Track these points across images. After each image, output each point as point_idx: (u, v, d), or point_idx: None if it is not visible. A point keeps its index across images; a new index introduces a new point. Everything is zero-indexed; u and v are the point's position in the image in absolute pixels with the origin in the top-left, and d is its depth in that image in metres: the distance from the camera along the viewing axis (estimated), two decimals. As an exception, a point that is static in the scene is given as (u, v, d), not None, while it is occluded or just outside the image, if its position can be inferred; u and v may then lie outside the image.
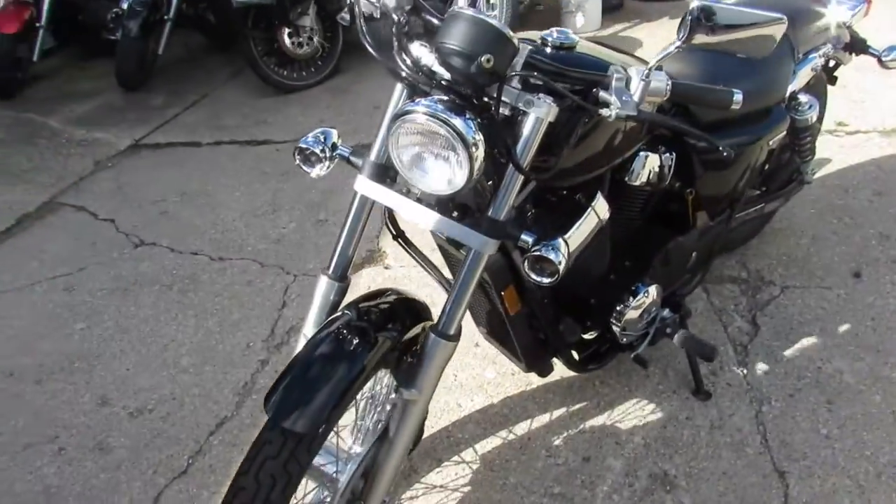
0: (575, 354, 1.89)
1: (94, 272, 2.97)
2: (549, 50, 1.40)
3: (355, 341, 1.34)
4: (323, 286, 1.48)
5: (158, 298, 2.75)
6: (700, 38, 1.23)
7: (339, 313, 1.41)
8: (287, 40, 4.42)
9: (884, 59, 2.24)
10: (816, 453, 1.83)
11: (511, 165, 1.30)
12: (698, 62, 1.88)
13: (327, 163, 1.47)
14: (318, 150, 1.45)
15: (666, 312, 1.93)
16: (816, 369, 2.05)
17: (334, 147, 1.48)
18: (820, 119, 2.19)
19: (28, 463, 2.08)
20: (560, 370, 1.94)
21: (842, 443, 1.84)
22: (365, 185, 1.42)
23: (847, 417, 1.91)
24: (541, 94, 1.29)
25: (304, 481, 1.32)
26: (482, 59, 1.18)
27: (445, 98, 1.25)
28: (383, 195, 1.41)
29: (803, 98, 1.99)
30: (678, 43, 1.23)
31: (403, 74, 1.30)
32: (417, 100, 1.25)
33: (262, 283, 2.75)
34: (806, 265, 2.46)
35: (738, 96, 1.29)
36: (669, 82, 1.27)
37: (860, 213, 2.70)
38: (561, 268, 1.31)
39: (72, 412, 2.25)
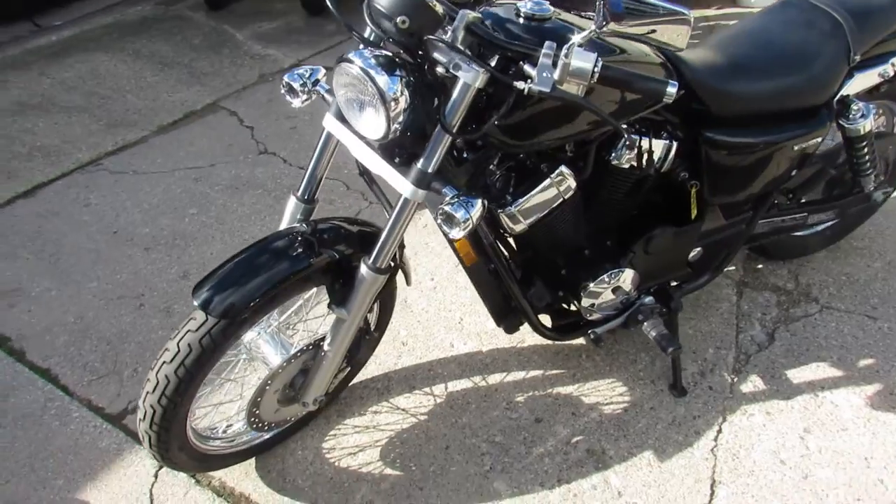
0: (548, 321, 1.96)
1: (220, 169, 3.45)
2: (519, 18, 1.45)
3: (297, 250, 1.56)
4: (291, 206, 1.70)
5: (258, 200, 3.15)
6: (613, 26, 1.24)
7: (294, 225, 1.64)
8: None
9: None
10: (763, 475, 1.77)
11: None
12: (737, 47, 1.81)
13: (306, 96, 1.66)
14: (298, 85, 1.64)
15: (648, 300, 1.93)
16: (812, 396, 1.94)
17: (316, 83, 1.66)
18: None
19: (115, 310, 2.57)
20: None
21: (795, 472, 1.77)
22: (329, 121, 1.60)
23: (816, 450, 1.81)
24: (473, 61, 1.37)
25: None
26: (398, 19, 1.29)
27: (385, 53, 1.39)
28: (340, 132, 1.58)
29: (856, 105, 1.82)
30: (593, 27, 1.25)
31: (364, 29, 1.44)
32: (360, 49, 1.40)
33: (343, 203, 3.04)
34: (864, 290, 2.26)
35: (671, 88, 1.28)
36: (598, 66, 1.28)
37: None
38: (464, 224, 1.40)
39: (159, 278, 2.72)
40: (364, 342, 1.74)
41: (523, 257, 1.84)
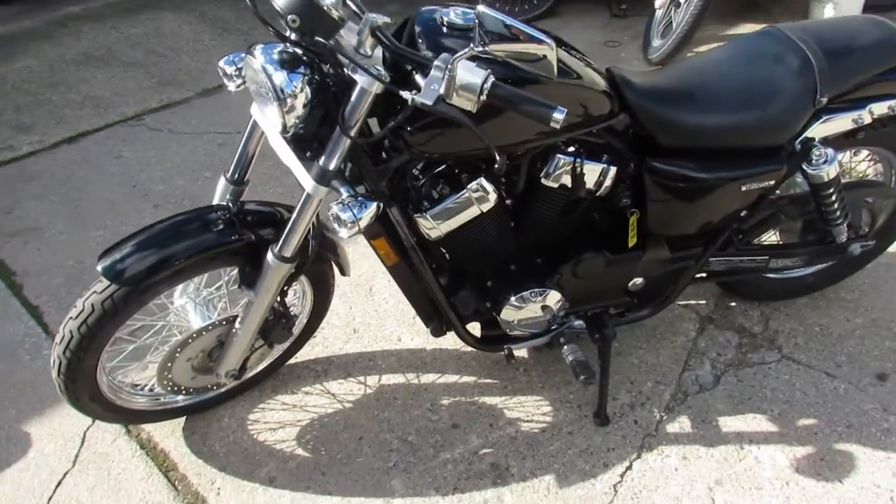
0: (477, 329, 1.95)
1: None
2: (442, 27, 1.45)
3: (211, 228, 1.62)
4: (220, 186, 1.76)
5: (269, 171, 3.25)
6: (493, 47, 1.23)
7: (216, 203, 1.70)
8: (506, -29, 4.53)
9: None
10: (658, 519, 1.72)
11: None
12: (697, 77, 1.73)
13: (240, 80, 1.70)
14: (232, 70, 1.68)
15: (577, 324, 1.89)
16: (736, 447, 1.85)
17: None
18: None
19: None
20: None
21: (691, 522, 1.70)
22: (253, 108, 1.64)
23: (721, 504, 1.74)
24: (376, 66, 1.38)
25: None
26: (288, 18, 1.31)
27: (291, 50, 1.41)
28: (261, 120, 1.61)
29: (818, 149, 1.70)
30: (473, 46, 1.24)
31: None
32: (268, 44, 1.43)
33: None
34: (834, 346, 2.13)
35: (559, 115, 1.23)
36: (489, 83, 1.26)
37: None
38: (350, 225, 1.42)
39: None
40: (279, 325, 1.79)
41: (452, 264, 1.83)
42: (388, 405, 2.05)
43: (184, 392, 1.88)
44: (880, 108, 1.73)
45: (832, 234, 1.93)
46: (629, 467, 1.83)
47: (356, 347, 2.27)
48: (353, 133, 1.43)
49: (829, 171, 1.73)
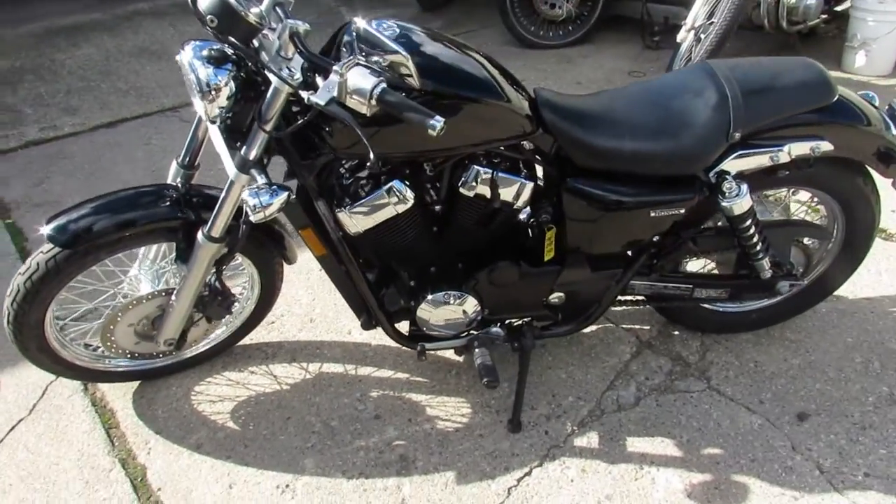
0: (405, 326, 2.05)
1: (262, 135, 3.78)
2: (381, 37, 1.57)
3: (154, 205, 1.79)
4: (172, 169, 1.93)
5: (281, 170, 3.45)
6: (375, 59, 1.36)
7: (164, 183, 1.87)
8: (540, -1, 4.65)
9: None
10: (541, 524, 1.78)
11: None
12: (621, 103, 1.81)
13: None
14: None
15: (494, 331, 1.98)
16: (636, 467, 1.89)
17: None
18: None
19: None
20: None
21: (572, 531, 1.76)
22: None
23: (607, 518, 1.79)
24: (291, 68, 1.52)
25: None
26: (207, 17, 1.46)
27: (220, 47, 1.57)
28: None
29: (728, 182, 1.75)
30: (355, 56, 1.36)
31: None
32: (199, 41, 1.59)
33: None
34: (763, 383, 2.13)
35: (437, 124, 1.33)
36: (378, 89, 1.37)
37: (894, 362, 2.18)
38: (256, 210, 1.56)
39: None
40: (215, 302, 1.94)
41: (380, 260, 1.94)
42: (321, 391, 2.18)
43: (129, 356, 2.05)
44: (800, 149, 1.75)
45: (755, 268, 1.96)
46: (528, 473, 1.89)
47: (308, 336, 2.41)
48: (268, 127, 1.57)
49: (741, 205, 1.77)
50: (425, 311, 1.90)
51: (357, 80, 1.38)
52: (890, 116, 1.91)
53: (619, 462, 1.91)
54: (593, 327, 2.37)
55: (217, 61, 1.55)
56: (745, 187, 1.76)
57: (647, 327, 2.37)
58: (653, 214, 1.78)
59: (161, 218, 1.79)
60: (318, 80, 1.47)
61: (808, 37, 4.64)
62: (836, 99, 1.77)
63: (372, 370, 2.25)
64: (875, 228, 2.05)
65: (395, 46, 1.40)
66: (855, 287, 2.49)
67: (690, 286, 2.01)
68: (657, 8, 4.60)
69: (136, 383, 2.21)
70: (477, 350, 1.94)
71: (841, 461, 1.88)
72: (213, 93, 1.53)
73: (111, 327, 1.94)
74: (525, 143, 1.74)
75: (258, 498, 1.86)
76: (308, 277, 2.68)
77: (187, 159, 1.90)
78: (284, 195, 1.60)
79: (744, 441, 1.95)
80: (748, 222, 1.83)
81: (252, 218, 1.60)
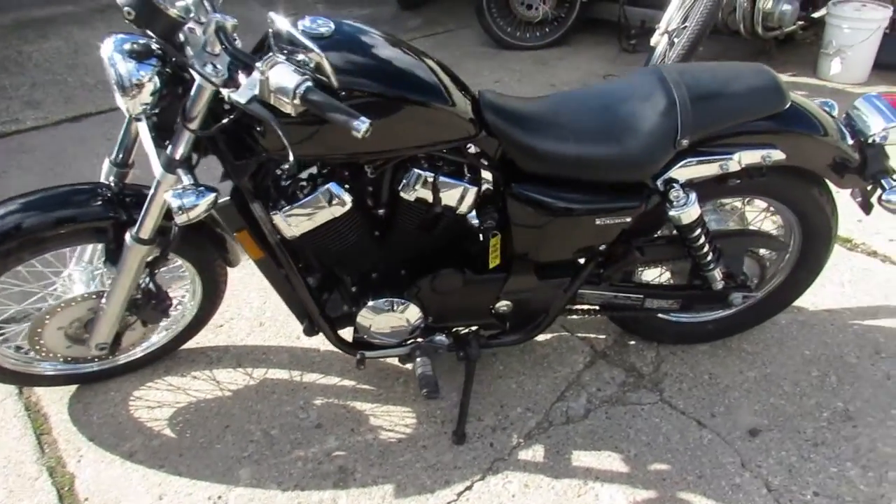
0: (349, 332, 1.99)
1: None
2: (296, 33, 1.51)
3: (84, 204, 1.72)
4: (105, 168, 1.86)
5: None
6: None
7: (97, 182, 1.80)
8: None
9: (884, 198, 1.75)
10: (477, 541, 1.72)
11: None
12: (568, 107, 1.75)
13: None
14: None
15: (438, 339, 1.92)
16: (580, 482, 1.84)
17: None
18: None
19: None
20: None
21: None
22: None
23: (546, 535, 1.73)
24: (217, 65, 1.45)
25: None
26: (124, 10, 1.40)
27: (143, 41, 1.50)
28: None
29: (675, 191, 1.69)
30: (273, 53, 1.30)
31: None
32: (123, 34, 1.52)
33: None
34: (716, 396, 2.08)
35: (362, 126, 1.26)
36: (302, 88, 1.31)
37: (851, 377, 2.13)
38: (179, 212, 1.50)
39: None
40: (149, 305, 1.87)
41: (320, 264, 1.88)
42: (264, 398, 2.11)
43: (61, 360, 1.98)
44: (751, 157, 1.70)
45: (707, 279, 1.91)
46: (469, 487, 1.83)
47: (256, 340, 2.34)
48: (192, 126, 1.51)
49: (689, 214, 1.72)
50: (366, 318, 1.83)
51: (280, 79, 1.31)
52: (847, 125, 1.86)
53: (563, 477, 1.85)
54: (547, 336, 2.31)
55: (140, 56, 1.48)
56: (693, 196, 1.70)
57: (603, 336, 2.31)
58: (598, 222, 1.72)
59: (89, 218, 1.72)
60: (242, 77, 1.41)
61: (785, 43, 4.61)
62: (788, 106, 1.71)
63: (318, 377, 2.19)
64: (832, 239, 2.00)
65: (309, 44, 1.33)
66: (816, 298, 2.44)
67: (641, 296, 1.96)
68: (634, 11, 4.55)
69: (74, 387, 2.14)
70: (418, 360, 1.88)
71: (790, 479, 1.83)
72: (135, 89, 1.46)
73: (38, 330, 1.86)
74: (470, 146, 1.68)
75: (188, 510, 1.79)
76: (260, 279, 2.55)
77: (120, 157, 1.83)
78: (211, 197, 1.54)
79: (692, 456, 1.89)
80: (697, 232, 1.78)
81: (176, 220, 1.53)
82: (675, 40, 3.67)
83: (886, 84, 4.15)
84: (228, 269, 2.06)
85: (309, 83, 1.31)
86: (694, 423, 1.99)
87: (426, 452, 1.93)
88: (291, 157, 1.34)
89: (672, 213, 1.72)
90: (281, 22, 1.36)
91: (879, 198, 1.77)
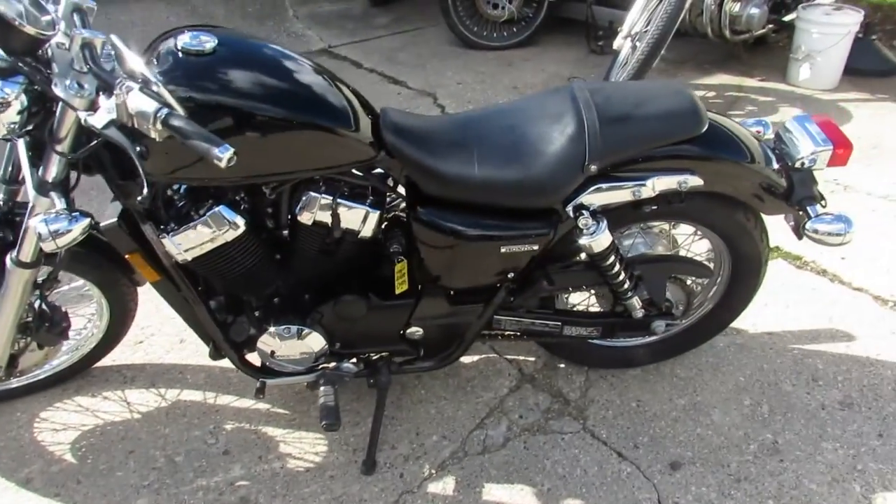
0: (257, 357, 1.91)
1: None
2: (178, 52, 1.42)
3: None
4: (-9, 182, 1.77)
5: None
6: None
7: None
8: (482, -3, 4.49)
9: (807, 227, 1.67)
10: (374, 582, 1.64)
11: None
12: (475, 127, 1.67)
13: None
14: None
15: (345, 365, 1.84)
16: (489, 518, 1.76)
17: None
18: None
19: None
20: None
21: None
22: None
23: (445, 576, 1.65)
24: (84, 84, 1.37)
25: None
26: None
27: (7, 59, 1.41)
28: None
29: (583, 217, 1.61)
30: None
31: None
32: None
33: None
34: (642, 425, 2.00)
35: (221, 153, 1.18)
36: (161, 113, 1.23)
37: (784, 407, 2.06)
38: (44, 239, 1.42)
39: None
40: (43, 328, 1.79)
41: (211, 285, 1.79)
42: (173, 421, 2.03)
43: (-43, 381, 1.90)
44: (666, 183, 1.61)
45: (625, 306, 1.83)
46: (374, 521, 1.76)
47: (175, 358, 2.26)
48: (60, 148, 1.43)
49: (599, 242, 1.63)
50: (267, 344, 1.75)
51: (139, 102, 1.23)
52: (775, 148, 1.77)
53: (471, 513, 1.77)
54: (474, 357, 2.23)
55: (5, 72, 1.39)
56: (603, 224, 1.62)
57: (533, 359, 2.23)
58: (504, 250, 1.64)
59: None
60: (103, 99, 1.32)
61: (758, 46, 4.51)
62: (707, 130, 1.63)
63: (233, 399, 2.11)
64: (763, 264, 1.91)
65: (147, 73, 1.24)
66: (758, 319, 2.37)
67: (559, 323, 1.88)
68: (602, 11, 4.45)
69: (-23, 407, 2.06)
70: (322, 388, 1.80)
71: (707, 517, 1.76)
72: (2, 107, 1.37)
73: (-78, 350, 1.78)
74: (375, 168, 1.60)
75: (78, 543, 1.72)
76: (187, 293, 2.52)
77: (9, 173, 1.74)
78: (84, 223, 1.46)
79: (608, 491, 1.82)
80: (610, 260, 1.69)
81: (43, 248, 1.45)
82: (638, 44, 3.57)
83: (857, 90, 4.06)
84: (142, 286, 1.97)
85: (166, 109, 1.23)
86: (615, 455, 1.92)
87: (333, 483, 1.85)
88: (145, 191, 1.25)
89: (581, 240, 1.64)
90: (127, 54, 1.26)
91: (803, 226, 1.69)
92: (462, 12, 4.54)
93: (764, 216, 1.84)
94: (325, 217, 1.60)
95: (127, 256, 1.68)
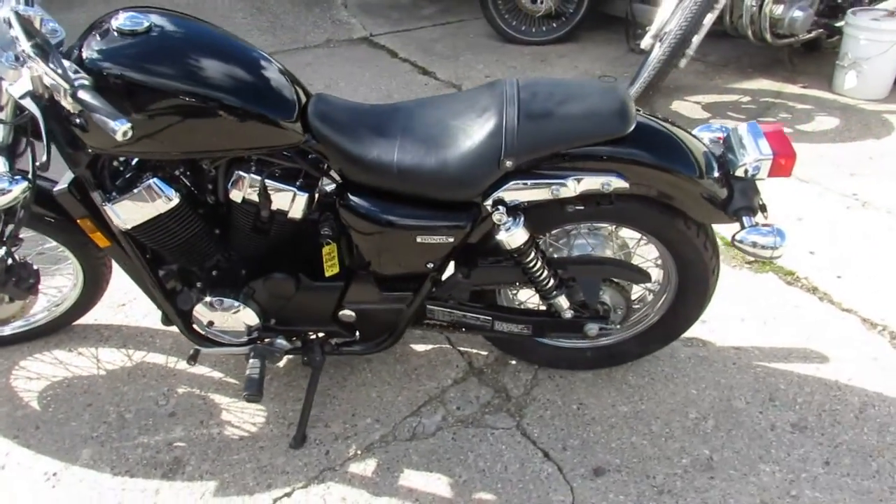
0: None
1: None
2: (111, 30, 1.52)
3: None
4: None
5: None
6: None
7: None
8: (522, -11, 4.46)
9: (737, 237, 1.62)
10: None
11: None
12: (404, 115, 1.70)
13: None
14: None
15: (278, 341, 1.90)
16: (398, 502, 1.79)
17: None
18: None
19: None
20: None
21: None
22: None
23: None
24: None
25: None
26: None
27: None
28: None
29: (498, 213, 1.60)
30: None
31: None
32: None
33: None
34: (576, 429, 1.98)
35: (118, 127, 1.27)
36: (75, 84, 1.32)
37: (731, 424, 1.98)
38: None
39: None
40: (10, 282, 1.93)
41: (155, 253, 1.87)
42: (133, 381, 2.16)
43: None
44: (588, 184, 1.59)
45: (553, 306, 1.81)
46: (288, 494, 1.82)
47: (150, 322, 2.39)
48: (0, 115, 1.54)
49: (515, 238, 1.63)
50: (202, 314, 1.84)
51: (53, 75, 1.32)
52: (723, 154, 1.71)
53: (383, 495, 1.81)
54: (426, 346, 2.26)
55: None
56: (520, 220, 1.61)
57: (485, 353, 2.24)
58: (419, 240, 1.65)
59: None
60: (24, 70, 1.42)
61: (811, 51, 4.29)
62: (633, 131, 1.59)
63: (190, 364, 2.20)
64: (710, 273, 1.85)
65: (30, 52, 1.32)
66: (729, 333, 2.29)
67: (490, 318, 1.88)
68: (642, 8, 4.33)
69: (-33, 353, 2.24)
70: (251, 360, 1.87)
71: (617, 526, 1.73)
72: None
73: None
74: (310, 153, 1.66)
75: (23, 482, 1.86)
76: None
77: None
78: (21, 185, 1.57)
79: (523, 489, 1.81)
80: (530, 257, 1.69)
81: None
82: (659, 44, 3.47)
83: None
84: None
85: (83, 81, 1.32)
86: (540, 455, 1.91)
87: (261, 453, 1.92)
88: (45, 157, 1.35)
89: (498, 236, 1.63)
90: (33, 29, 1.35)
91: (734, 236, 1.63)
92: (501, 5, 4.52)
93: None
94: (253, 196, 1.66)
95: (78, 221, 1.80)
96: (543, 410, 2.04)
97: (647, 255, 1.97)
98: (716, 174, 1.67)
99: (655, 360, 2.19)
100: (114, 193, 1.67)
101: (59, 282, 2.29)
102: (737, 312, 2.38)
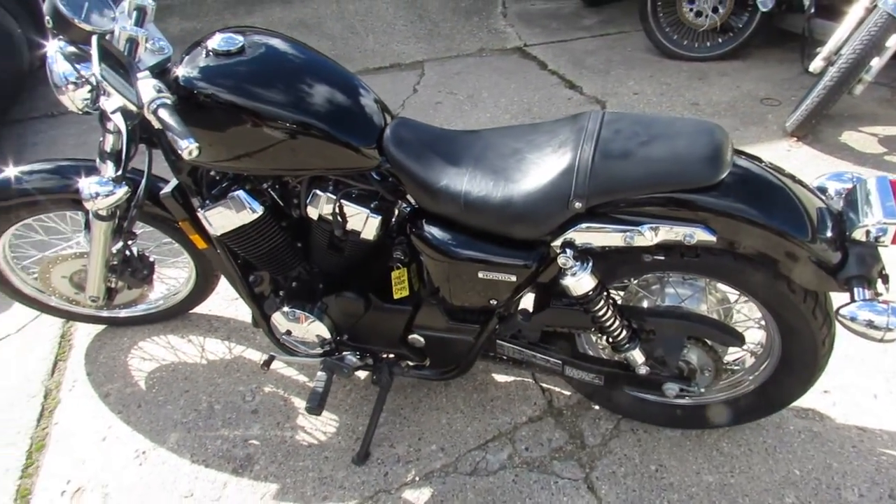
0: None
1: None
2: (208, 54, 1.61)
3: (65, 177, 2.01)
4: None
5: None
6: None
7: (87, 158, 2.07)
8: (685, 3, 4.20)
9: (842, 311, 1.40)
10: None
11: None
12: (479, 145, 1.65)
13: None
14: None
15: (348, 358, 1.93)
16: (444, 540, 1.75)
17: None
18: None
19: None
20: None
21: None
22: None
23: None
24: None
25: None
26: (45, 17, 1.59)
27: (82, 47, 1.70)
28: None
29: (565, 256, 1.50)
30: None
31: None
32: (68, 44, 1.72)
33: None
34: (651, 493, 1.81)
35: (185, 144, 1.34)
36: (156, 103, 1.42)
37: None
38: (90, 201, 1.70)
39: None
40: (127, 272, 2.12)
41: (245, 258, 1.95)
42: (228, 374, 2.29)
43: (69, 301, 2.32)
44: (668, 234, 1.44)
45: (627, 358, 1.67)
46: (345, 510, 1.83)
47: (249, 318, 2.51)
48: (109, 125, 1.68)
49: (580, 284, 1.51)
50: (279, 322, 1.90)
51: (143, 91, 1.42)
52: (843, 210, 1.48)
53: (430, 529, 1.77)
54: (507, 378, 2.18)
55: (79, 58, 1.67)
56: (587, 265, 1.50)
57: (568, 393, 2.12)
58: (481, 275, 1.59)
59: (65, 190, 1.98)
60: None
61: None
62: (727, 179, 1.42)
63: (283, 366, 2.30)
64: (821, 348, 1.61)
65: (99, 75, 1.40)
66: (853, 410, 1.99)
67: (560, 362, 1.77)
68: (823, 24, 3.87)
69: (98, 328, 2.49)
70: (318, 373, 1.90)
71: None
72: (68, 87, 1.65)
73: (46, 275, 2.20)
74: (385, 174, 1.66)
75: (115, 457, 2.03)
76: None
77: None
78: (123, 190, 1.70)
79: (575, 548, 1.69)
80: (599, 305, 1.56)
81: (86, 206, 1.73)
82: (830, 69, 3.10)
83: None
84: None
85: (164, 100, 1.41)
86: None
87: (325, 464, 1.96)
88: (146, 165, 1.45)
89: (563, 280, 1.53)
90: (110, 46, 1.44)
91: (837, 310, 1.40)
92: (662, 18, 4.28)
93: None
94: (328, 214, 1.69)
95: (180, 223, 1.93)
96: (618, 466, 1.89)
97: (750, 312, 1.76)
98: (829, 234, 1.44)
99: (758, 428, 1.95)
100: (208, 201, 1.77)
101: (178, 273, 2.48)
102: (870, 386, 2.06)
